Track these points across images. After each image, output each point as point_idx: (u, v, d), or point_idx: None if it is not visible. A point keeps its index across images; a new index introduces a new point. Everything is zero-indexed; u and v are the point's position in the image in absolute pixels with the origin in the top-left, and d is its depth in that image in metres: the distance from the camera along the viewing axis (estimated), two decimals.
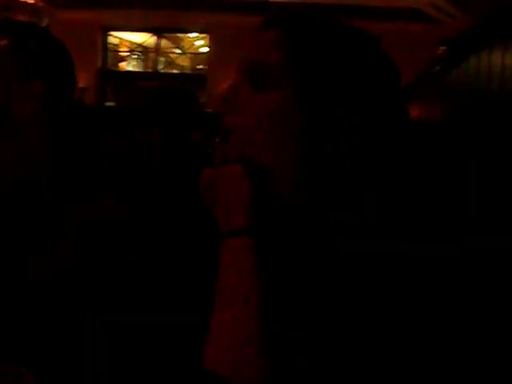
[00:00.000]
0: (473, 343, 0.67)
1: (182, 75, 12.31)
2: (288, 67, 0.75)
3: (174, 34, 12.67)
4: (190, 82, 10.46)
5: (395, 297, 0.68)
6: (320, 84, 0.75)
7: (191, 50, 12.89)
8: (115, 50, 12.76)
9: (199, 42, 12.65)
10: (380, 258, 0.70)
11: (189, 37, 12.73)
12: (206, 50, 12.24)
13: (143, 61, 13.18)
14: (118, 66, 12.81)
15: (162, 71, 12.47)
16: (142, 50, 13.04)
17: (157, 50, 12.47)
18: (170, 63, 12.89)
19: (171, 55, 12.92)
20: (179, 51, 12.90)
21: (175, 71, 12.79)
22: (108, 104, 10.63)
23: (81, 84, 10.17)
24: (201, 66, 12.52)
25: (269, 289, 0.68)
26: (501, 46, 2.47)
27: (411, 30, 10.21)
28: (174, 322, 0.77)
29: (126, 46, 13.01)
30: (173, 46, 12.90)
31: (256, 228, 0.72)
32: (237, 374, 0.64)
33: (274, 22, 0.81)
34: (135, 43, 12.90)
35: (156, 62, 12.52)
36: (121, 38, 12.74)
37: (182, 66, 12.89)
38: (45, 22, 8.72)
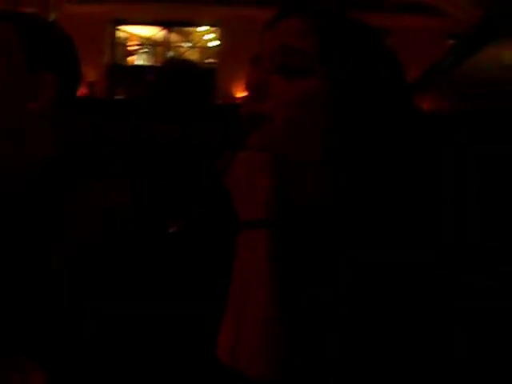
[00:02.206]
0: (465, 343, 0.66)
1: None
2: (322, 55, 0.75)
3: (183, 28, 12.65)
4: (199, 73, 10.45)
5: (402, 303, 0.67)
6: (349, 73, 0.75)
7: (201, 44, 12.87)
8: (124, 43, 12.77)
9: (209, 36, 12.63)
10: (397, 264, 0.69)
11: (198, 31, 12.71)
12: (215, 43, 12.22)
13: (152, 55, 13.19)
14: (126, 60, 12.82)
15: None
16: (151, 44, 13.04)
17: (166, 43, 12.46)
18: (180, 57, 12.89)
19: (180, 49, 12.91)
20: (189, 45, 12.89)
21: None
22: (117, 97, 10.65)
23: (90, 78, 10.18)
24: (211, 60, 12.51)
25: (283, 284, 0.67)
26: (509, 39, 2.45)
27: (420, 24, 10.15)
28: (181, 312, 0.76)
29: (135, 40, 13.01)
30: (182, 39, 12.89)
31: (275, 222, 0.71)
32: (246, 366, 0.64)
33: (294, 10, 0.81)
34: (144, 37, 12.90)
35: (165, 56, 12.51)
36: (129, 32, 12.75)
37: (192, 60, 12.88)
38: (53, 16, 8.73)
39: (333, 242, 0.73)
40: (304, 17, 0.79)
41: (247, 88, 0.78)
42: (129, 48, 12.94)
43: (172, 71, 2.09)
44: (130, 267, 0.93)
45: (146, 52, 13.20)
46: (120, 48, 12.55)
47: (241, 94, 9.80)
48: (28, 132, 1.03)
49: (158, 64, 12.56)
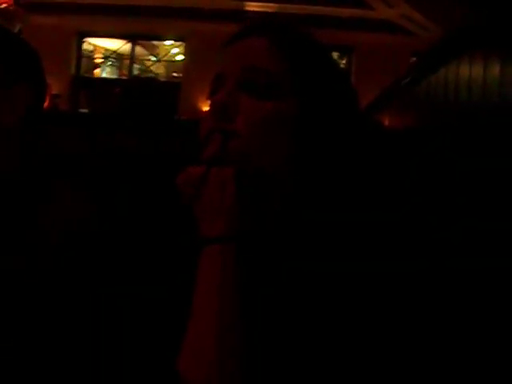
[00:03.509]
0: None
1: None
2: (288, 75, 0.76)
3: (149, 42, 12.62)
4: (164, 90, 10.43)
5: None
6: (315, 92, 0.77)
7: (166, 58, 12.85)
8: (89, 56, 12.67)
9: (174, 50, 12.62)
10: (364, 276, 0.68)
11: (164, 44, 12.69)
12: (181, 57, 12.21)
13: (118, 68, 13.11)
14: (92, 73, 12.72)
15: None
16: (116, 57, 12.97)
17: (132, 57, 12.41)
18: (145, 71, 12.84)
19: (146, 62, 12.87)
20: (154, 58, 12.86)
21: None
22: (82, 110, 10.54)
23: (54, 90, 10.06)
24: (176, 74, 12.48)
25: (245, 300, 0.67)
26: (467, 58, 2.52)
27: (385, 42, 10.33)
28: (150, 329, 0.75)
29: (101, 52, 12.92)
30: (148, 53, 12.85)
31: (240, 236, 0.70)
32: (203, 380, 0.63)
33: (257, 28, 0.81)
34: (110, 50, 12.82)
35: (131, 69, 12.45)
36: (95, 45, 12.66)
37: (157, 74, 12.84)
38: (17, 27, 8.61)
39: (294, 255, 0.73)
40: (267, 36, 0.80)
41: (213, 107, 0.78)
42: (94, 60, 12.84)
43: (139, 86, 2.10)
44: (94, 280, 0.93)
45: (111, 65, 13.12)
46: (85, 60, 12.44)
47: (205, 107, 9.78)
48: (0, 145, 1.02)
49: (124, 77, 12.49)
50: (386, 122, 3.96)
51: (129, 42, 12.27)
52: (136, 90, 2.04)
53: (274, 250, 0.74)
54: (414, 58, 9.29)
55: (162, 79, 12.55)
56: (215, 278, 0.68)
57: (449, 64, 2.79)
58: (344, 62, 11.41)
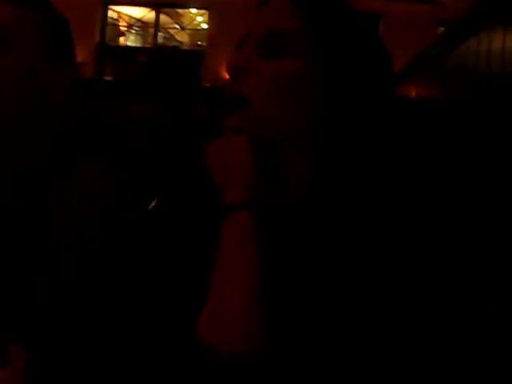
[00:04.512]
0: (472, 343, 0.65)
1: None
2: (307, 34, 0.74)
3: (173, 10, 12.55)
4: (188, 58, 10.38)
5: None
6: (335, 52, 0.75)
7: (191, 26, 12.78)
8: (114, 24, 12.65)
9: (199, 18, 12.54)
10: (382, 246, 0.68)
11: (190, 12, 12.61)
12: (206, 26, 12.13)
13: (142, 36, 13.08)
14: (116, 41, 12.71)
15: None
16: (140, 25, 12.93)
17: (156, 25, 12.35)
18: (169, 39, 12.80)
19: (170, 31, 12.82)
20: (178, 27, 12.79)
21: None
22: (106, 78, 10.56)
23: (79, 58, 10.08)
24: (200, 43, 12.42)
25: (267, 265, 0.68)
26: (501, 27, 2.45)
27: (411, 10, 10.13)
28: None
29: (125, 20, 12.89)
30: (172, 21, 12.78)
31: (257, 203, 0.70)
32: (227, 347, 0.64)
33: None
34: (134, 18, 12.78)
35: (155, 38, 12.41)
36: (120, 12, 12.62)
37: (182, 43, 12.80)
38: None
39: (316, 228, 0.73)
40: None
41: (227, 70, 0.78)
42: (119, 28, 12.82)
43: (163, 54, 2.09)
44: (119, 256, 0.91)
45: (135, 33, 13.09)
46: (110, 28, 12.42)
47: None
48: (40, 123, 0.99)
49: (148, 45, 12.46)
50: (413, 94, 3.90)
51: (153, 9, 12.21)
52: (160, 58, 2.02)
53: (297, 221, 0.74)
54: (441, 28, 9.10)
55: (186, 48, 12.50)
56: (235, 246, 0.68)
57: (480, 34, 2.72)
58: None
